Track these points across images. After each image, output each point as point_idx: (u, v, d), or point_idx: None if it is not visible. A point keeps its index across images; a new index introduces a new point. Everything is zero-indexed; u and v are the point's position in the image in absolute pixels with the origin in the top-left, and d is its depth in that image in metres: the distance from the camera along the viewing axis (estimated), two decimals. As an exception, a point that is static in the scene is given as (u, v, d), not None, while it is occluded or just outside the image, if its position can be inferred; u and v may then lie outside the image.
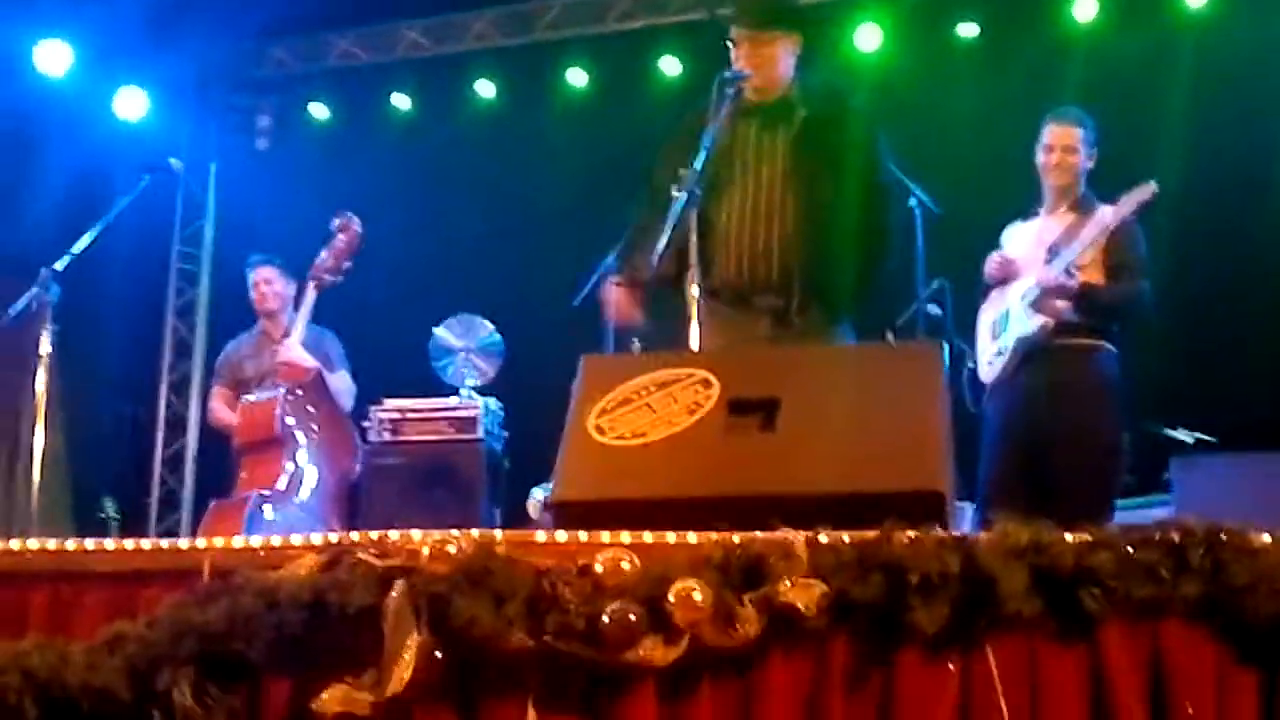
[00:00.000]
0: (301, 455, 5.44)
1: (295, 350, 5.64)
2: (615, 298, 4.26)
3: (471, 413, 6.79)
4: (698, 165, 3.97)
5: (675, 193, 3.97)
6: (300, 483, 5.41)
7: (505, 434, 7.00)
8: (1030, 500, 4.77)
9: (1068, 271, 5.03)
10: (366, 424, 6.62)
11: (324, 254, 5.73)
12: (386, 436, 6.69)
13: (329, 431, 5.65)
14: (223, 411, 6.21)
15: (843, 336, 4.38)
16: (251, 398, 5.77)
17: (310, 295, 5.74)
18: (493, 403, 6.98)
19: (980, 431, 5.15)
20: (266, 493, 5.26)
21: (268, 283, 6.32)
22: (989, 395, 5.20)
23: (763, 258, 4.19)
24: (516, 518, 6.79)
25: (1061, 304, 5.02)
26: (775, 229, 4.20)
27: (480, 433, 6.73)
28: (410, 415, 6.75)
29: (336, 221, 5.79)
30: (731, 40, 4.35)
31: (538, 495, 6.80)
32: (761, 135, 4.32)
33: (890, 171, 4.65)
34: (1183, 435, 6.55)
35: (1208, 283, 6.95)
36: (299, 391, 5.57)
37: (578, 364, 2.95)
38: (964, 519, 4.98)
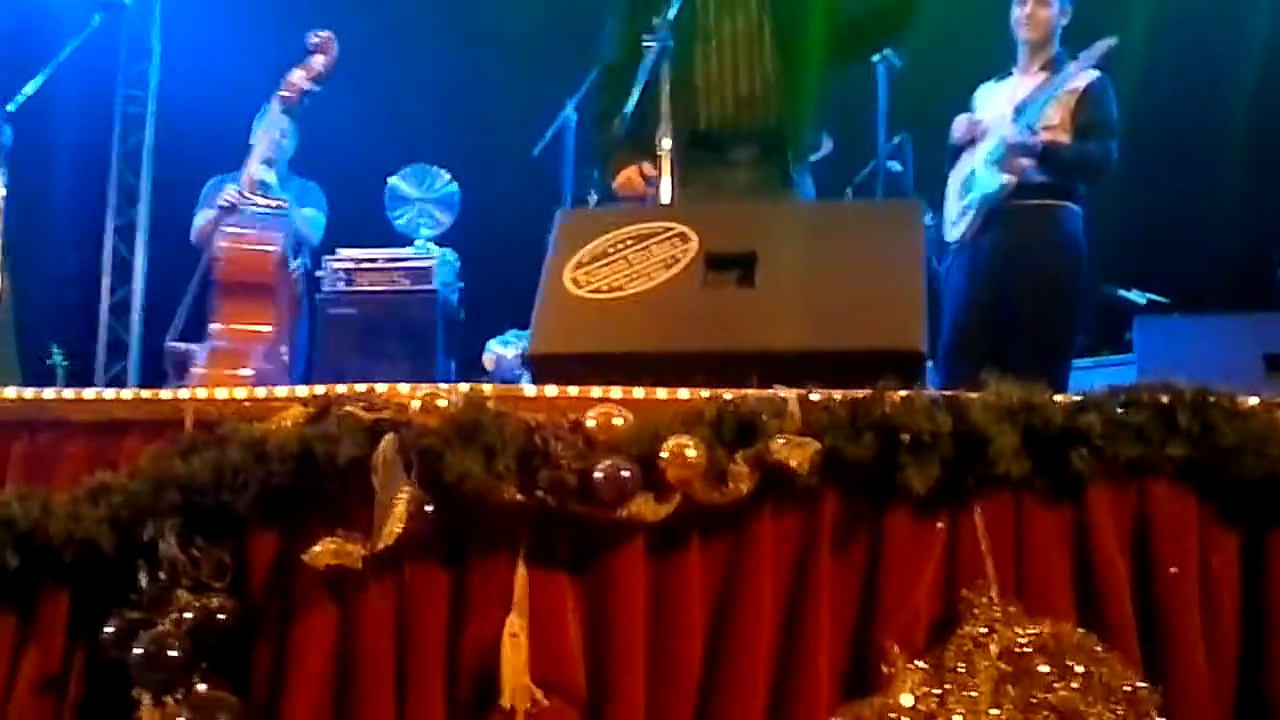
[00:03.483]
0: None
1: (259, 168, 5.44)
2: (627, 172, 4.12)
3: (427, 263, 6.72)
4: (670, 14, 3.88)
5: (647, 42, 3.89)
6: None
7: (461, 285, 6.95)
8: (991, 358, 4.81)
9: (1031, 129, 5.03)
10: (321, 274, 6.54)
11: (298, 71, 5.40)
12: (341, 286, 6.61)
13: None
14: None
15: (808, 184, 4.34)
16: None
17: (275, 110, 5.46)
18: (449, 254, 6.91)
19: (943, 289, 5.17)
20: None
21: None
22: (954, 254, 5.21)
23: (745, 106, 4.11)
24: (472, 369, 6.78)
25: (1025, 162, 5.02)
26: (756, 77, 4.12)
27: (436, 284, 6.66)
28: (365, 265, 6.66)
29: (315, 39, 5.43)
30: None
31: (494, 348, 6.79)
32: None
33: None
34: (1135, 296, 6.61)
35: (1165, 146, 6.95)
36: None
37: (534, 215, 2.89)
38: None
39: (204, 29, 8.55)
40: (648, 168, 3.97)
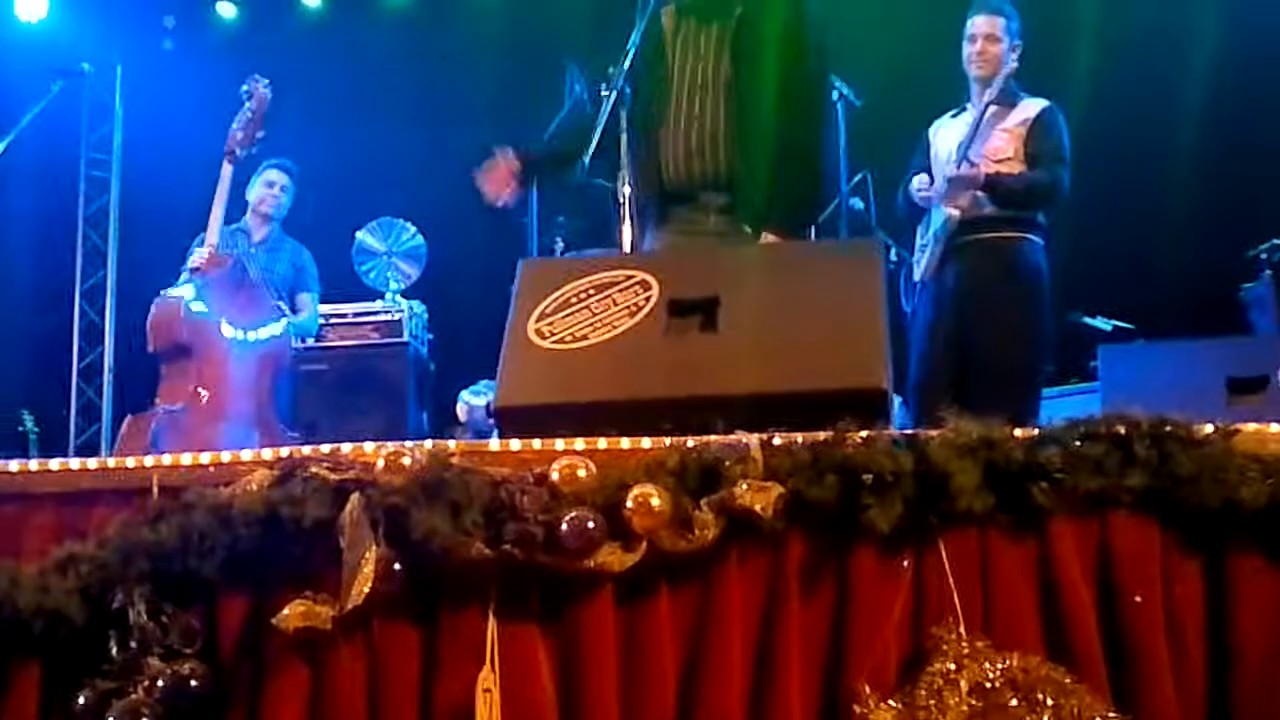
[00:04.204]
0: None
1: (214, 229, 5.40)
2: (493, 168, 4.21)
3: (396, 316, 6.76)
4: (625, 64, 3.93)
5: (603, 92, 3.93)
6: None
7: (430, 337, 6.98)
8: (957, 392, 4.84)
9: (968, 161, 5.06)
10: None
11: (235, 125, 5.48)
12: (311, 342, 6.63)
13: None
14: None
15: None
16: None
17: (226, 172, 5.48)
18: (417, 306, 6.94)
19: (911, 326, 5.21)
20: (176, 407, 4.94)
21: (269, 185, 6.23)
22: (918, 292, 5.24)
23: (705, 155, 4.14)
24: (444, 420, 6.79)
25: (970, 194, 5.06)
26: (715, 126, 4.14)
27: (406, 336, 6.71)
28: (335, 320, 6.69)
29: (245, 87, 5.53)
30: None
31: (466, 398, 6.81)
32: (699, 30, 4.25)
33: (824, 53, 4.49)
34: (1100, 323, 6.66)
35: (1120, 172, 7.02)
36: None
37: (499, 265, 2.90)
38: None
39: (166, 92, 8.58)
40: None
